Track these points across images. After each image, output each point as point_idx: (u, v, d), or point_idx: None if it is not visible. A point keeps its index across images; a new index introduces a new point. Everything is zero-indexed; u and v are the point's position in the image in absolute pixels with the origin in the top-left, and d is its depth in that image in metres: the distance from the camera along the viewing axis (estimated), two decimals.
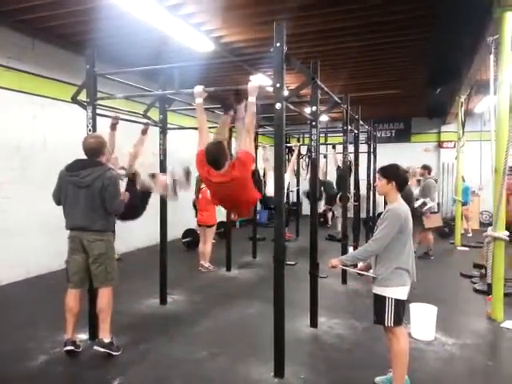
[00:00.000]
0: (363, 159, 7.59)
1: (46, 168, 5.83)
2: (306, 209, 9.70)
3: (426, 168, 7.53)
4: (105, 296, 3.48)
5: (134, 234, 7.25)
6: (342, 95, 5.38)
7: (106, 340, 3.44)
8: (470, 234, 9.92)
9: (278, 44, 3.02)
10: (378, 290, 2.84)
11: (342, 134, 5.86)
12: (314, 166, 4.40)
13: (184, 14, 5.00)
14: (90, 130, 3.78)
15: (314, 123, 4.21)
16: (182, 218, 7.53)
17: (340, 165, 7.77)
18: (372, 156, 8.45)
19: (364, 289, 5.27)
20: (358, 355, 3.56)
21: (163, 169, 4.72)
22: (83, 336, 3.76)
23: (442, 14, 4.95)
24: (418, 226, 6.83)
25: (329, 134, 9.46)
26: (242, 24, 5.51)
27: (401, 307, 2.81)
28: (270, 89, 3.19)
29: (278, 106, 3.06)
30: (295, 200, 11.05)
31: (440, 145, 13.32)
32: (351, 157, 7.04)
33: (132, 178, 4.23)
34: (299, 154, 8.90)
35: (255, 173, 3.67)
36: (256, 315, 4.50)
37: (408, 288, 2.84)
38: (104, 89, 4.46)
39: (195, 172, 3.72)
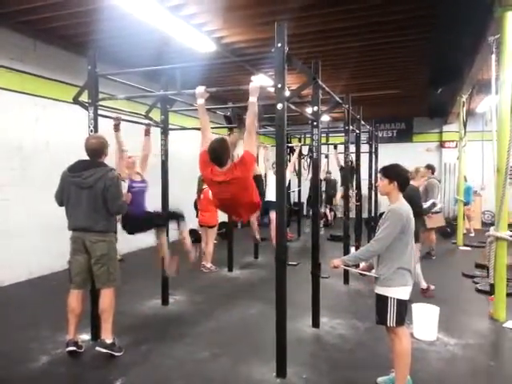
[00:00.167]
0: (365, 159, 7.59)
1: (47, 169, 5.84)
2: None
3: (430, 168, 7.51)
4: (107, 297, 3.48)
5: (136, 235, 7.24)
6: (343, 95, 5.37)
7: (108, 341, 3.44)
8: (472, 234, 9.91)
9: (280, 44, 3.02)
10: (380, 290, 2.84)
11: (343, 134, 5.86)
12: (315, 166, 4.40)
13: (185, 15, 5.01)
14: (91, 131, 3.78)
15: (315, 123, 4.21)
16: None
17: (343, 165, 7.76)
18: (373, 156, 8.45)
19: (366, 289, 5.27)
20: (360, 355, 3.55)
21: (165, 169, 4.73)
22: (85, 337, 3.77)
23: (442, 14, 4.94)
24: (421, 226, 6.81)
25: (330, 134, 9.47)
26: (243, 24, 5.52)
27: (403, 307, 2.80)
28: (272, 89, 3.19)
29: (279, 106, 3.06)
30: (297, 200, 11.06)
31: (442, 145, 13.30)
32: (352, 157, 7.04)
33: None
34: (300, 154, 8.90)
35: (258, 179, 3.69)
36: (258, 315, 4.50)
37: (410, 288, 2.84)
38: (106, 90, 4.46)
39: (198, 172, 3.73)
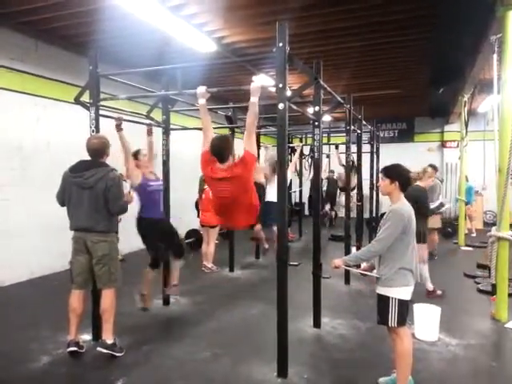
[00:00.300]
0: (366, 159, 7.58)
1: (48, 169, 5.84)
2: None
3: (433, 167, 7.48)
4: (108, 297, 3.48)
5: (138, 235, 7.24)
6: (344, 95, 5.37)
7: (109, 341, 3.44)
8: (474, 234, 9.88)
9: (281, 44, 3.02)
10: (381, 290, 2.83)
11: (344, 134, 5.85)
12: (316, 166, 4.40)
13: (186, 15, 5.01)
14: (93, 131, 3.79)
15: (316, 123, 4.20)
16: (185, 218, 7.53)
17: (344, 163, 7.75)
18: (375, 156, 8.44)
19: (367, 289, 5.26)
20: (361, 356, 3.55)
21: (166, 169, 4.73)
22: (86, 337, 3.77)
23: (443, 14, 4.93)
24: (426, 227, 6.79)
25: (331, 134, 9.46)
26: (244, 24, 5.51)
27: (404, 307, 2.80)
28: (273, 89, 3.19)
29: (280, 106, 3.06)
30: (298, 200, 11.05)
31: (443, 144, 13.28)
32: (354, 157, 7.03)
33: None
34: (301, 153, 8.89)
35: (258, 185, 3.69)
36: (259, 316, 4.49)
37: (412, 288, 2.84)
38: (107, 90, 4.46)
39: (199, 172, 3.73)
